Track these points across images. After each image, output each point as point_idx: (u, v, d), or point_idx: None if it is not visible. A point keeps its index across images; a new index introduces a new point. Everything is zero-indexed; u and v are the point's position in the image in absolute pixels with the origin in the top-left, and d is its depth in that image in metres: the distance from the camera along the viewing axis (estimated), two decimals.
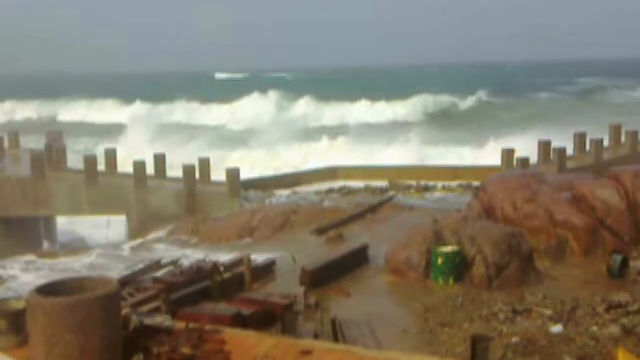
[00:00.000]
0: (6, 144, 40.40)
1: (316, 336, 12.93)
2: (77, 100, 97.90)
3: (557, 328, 13.41)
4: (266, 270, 18.53)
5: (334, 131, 59.02)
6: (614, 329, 13.16)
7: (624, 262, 17.43)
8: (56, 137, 40.82)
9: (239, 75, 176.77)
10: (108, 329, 7.79)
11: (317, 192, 32.10)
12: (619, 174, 20.84)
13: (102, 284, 8.27)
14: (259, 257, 19.22)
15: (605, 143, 35.16)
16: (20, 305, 8.67)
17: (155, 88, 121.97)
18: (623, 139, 36.68)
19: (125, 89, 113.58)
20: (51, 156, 33.58)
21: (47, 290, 8.02)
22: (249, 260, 17.55)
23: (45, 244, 31.83)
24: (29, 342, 7.88)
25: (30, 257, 24.35)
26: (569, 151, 33.06)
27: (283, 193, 32.29)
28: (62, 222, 34.02)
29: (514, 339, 12.89)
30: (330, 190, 32.35)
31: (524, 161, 30.50)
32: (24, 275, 21.45)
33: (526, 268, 17.36)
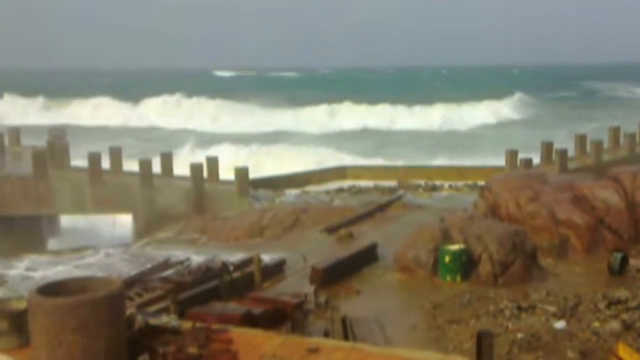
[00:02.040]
0: (7, 141, 39.47)
1: (326, 334, 13.10)
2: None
3: (560, 324, 13.82)
4: (276, 270, 18.57)
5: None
6: (615, 325, 13.59)
7: (624, 260, 17.89)
8: (59, 134, 39.92)
9: (248, 74, 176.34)
10: (112, 330, 7.72)
11: (326, 192, 32.11)
12: (618, 175, 21.36)
13: (105, 284, 8.22)
14: (269, 257, 19.28)
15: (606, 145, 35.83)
16: (21, 305, 8.53)
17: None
18: (622, 140, 37.26)
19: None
20: (54, 154, 33.01)
21: (49, 290, 7.95)
22: (259, 259, 17.59)
23: (49, 244, 31.22)
24: (30, 343, 7.84)
25: (33, 256, 23.79)
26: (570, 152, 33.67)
27: (293, 192, 32.23)
28: (67, 222, 33.51)
29: (519, 335, 13.27)
30: (340, 190, 32.41)
31: (527, 162, 30.98)
32: (27, 274, 21.03)
33: (530, 266, 17.83)
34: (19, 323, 8.39)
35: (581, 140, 35.55)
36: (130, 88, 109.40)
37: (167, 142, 54.45)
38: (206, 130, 70.65)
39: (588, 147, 34.93)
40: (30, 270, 21.45)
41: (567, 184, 21.65)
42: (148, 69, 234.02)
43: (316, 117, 77.46)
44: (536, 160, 32.60)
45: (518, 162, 31.39)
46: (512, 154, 32.07)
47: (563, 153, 31.88)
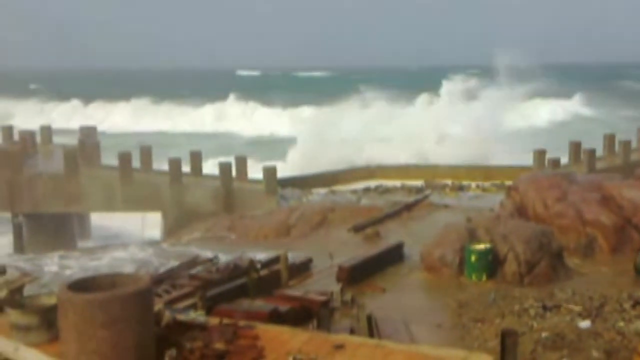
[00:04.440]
0: (39, 139, 39.76)
1: (352, 332, 13.14)
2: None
3: (585, 323, 13.78)
4: (303, 268, 18.72)
5: None
6: None
7: None
8: (89, 133, 40.40)
9: (272, 73, 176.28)
10: (140, 325, 7.77)
11: (353, 191, 32.21)
12: None
13: (133, 280, 8.28)
14: (296, 255, 19.44)
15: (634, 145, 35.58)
16: (51, 301, 8.58)
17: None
18: None
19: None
20: (84, 152, 33.52)
21: (78, 286, 8.00)
22: (286, 257, 17.75)
23: (79, 241, 31.97)
24: (60, 338, 7.85)
25: (64, 253, 24.08)
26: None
27: (320, 191, 32.41)
28: (97, 219, 34.12)
29: (544, 334, 13.27)
30: (367, 189, 32.51)
31: (555, 161, 30.90)
32: (58, 271, 21.26)
33: (556, 265, 17.80)
34: (48, 318, 8.42)
35: (609, 140, 35.37)
36: (152, 89, 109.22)
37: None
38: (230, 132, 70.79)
39: (617, 147, 34.78)
40: (61, 267, 21.65)
41: (595, 184, 21.52)
42: (162, 70, 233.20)
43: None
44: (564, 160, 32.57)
45: (546, 162, 31.35)
46: (540, 154, 32.00)
47: (591, 153, 31.77)
